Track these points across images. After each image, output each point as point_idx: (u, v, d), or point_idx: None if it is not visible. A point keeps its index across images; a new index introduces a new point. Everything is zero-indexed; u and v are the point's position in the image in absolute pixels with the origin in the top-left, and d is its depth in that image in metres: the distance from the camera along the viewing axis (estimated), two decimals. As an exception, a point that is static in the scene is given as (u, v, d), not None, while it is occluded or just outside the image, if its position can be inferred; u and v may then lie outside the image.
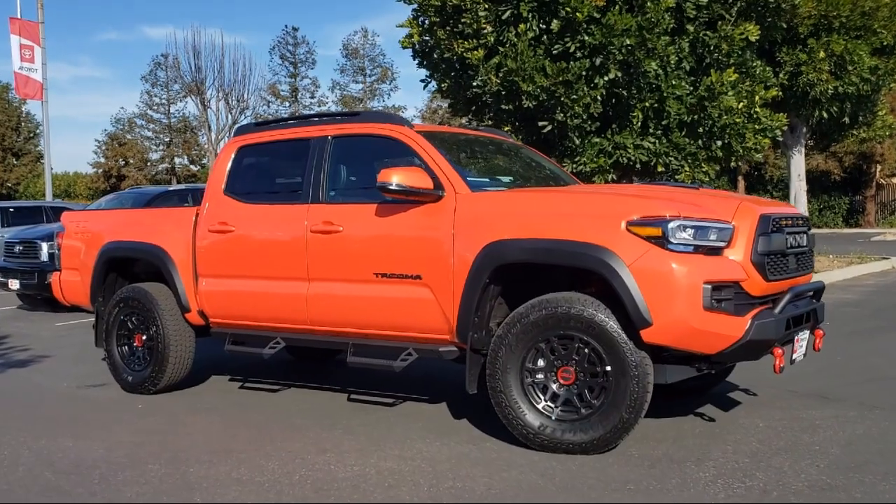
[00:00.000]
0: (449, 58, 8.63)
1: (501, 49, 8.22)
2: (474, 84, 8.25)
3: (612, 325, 4.09)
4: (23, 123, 51.79)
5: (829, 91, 12.11)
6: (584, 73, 7.81)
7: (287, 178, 5.73)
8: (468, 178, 4.86)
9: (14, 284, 11.79)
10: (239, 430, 5.01)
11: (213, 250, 5.72)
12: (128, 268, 6.51)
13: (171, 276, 5.89)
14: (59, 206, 17.93)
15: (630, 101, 8.17)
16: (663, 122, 8.32)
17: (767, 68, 8.78)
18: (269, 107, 45.34)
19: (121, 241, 6.26)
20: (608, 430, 4.13)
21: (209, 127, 35.83)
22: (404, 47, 9.84)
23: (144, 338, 6.09)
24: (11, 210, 16.93)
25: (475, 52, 8.10)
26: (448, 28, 8.63)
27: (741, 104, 8.34)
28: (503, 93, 8.23)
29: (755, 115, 8.51)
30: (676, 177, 8.68)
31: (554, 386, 4.30)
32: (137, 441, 4.81)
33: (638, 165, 8.39)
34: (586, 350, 4.18)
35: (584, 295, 4.24)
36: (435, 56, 9.38)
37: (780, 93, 9.50)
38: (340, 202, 5.28)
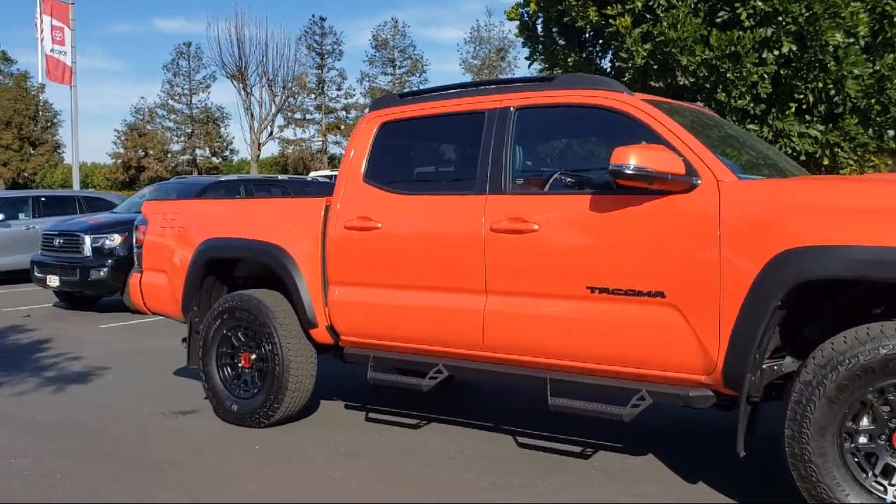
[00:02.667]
0: (581, 27, 7.39)
1: (648, 16, 6.99)
2: (619, 57, 7.02)
3: None
4: (41, 112, 50.67)
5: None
6: (754, 45, 6.57)
7: (451, 162, 4.51)
8: (728, 162, 3.63)
9: (53, 281, 10.64)
10: (405, 489, 3.81)
11: (350, 252, 4.51)
12: (228, 271, 5.31)
13: (294, 282, 4.68)
14: (91, 196, 16.84)
15: (796, 80, 6.92)
16: (832, 107, 7.08)
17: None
18: (294, 99, 44.05)
19: (226, 238, 5.03)
20: (979, 522, 2.91)
21: (252, 115, 34.72)
22: (510, 19, 8.64)
23: (254, 357, 4.90)
24: (43, 199, 15.79)
25: (622, 18, 6.87)
26: (580, -9, 7.41)
27: (925, 89, 7.09)
28: (655, 67, 6.99)
29: (939, 102, 7.27)
30: (841, 171, 7.45)
31: (887, 455, 3.07)
32: (280, 506, 3.61)
33: (803, 157, 7.15)
34: (941, 406, 2.96)
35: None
36: (542, 33, 8.17)
37: None
38: (533, 192, 4.06)
